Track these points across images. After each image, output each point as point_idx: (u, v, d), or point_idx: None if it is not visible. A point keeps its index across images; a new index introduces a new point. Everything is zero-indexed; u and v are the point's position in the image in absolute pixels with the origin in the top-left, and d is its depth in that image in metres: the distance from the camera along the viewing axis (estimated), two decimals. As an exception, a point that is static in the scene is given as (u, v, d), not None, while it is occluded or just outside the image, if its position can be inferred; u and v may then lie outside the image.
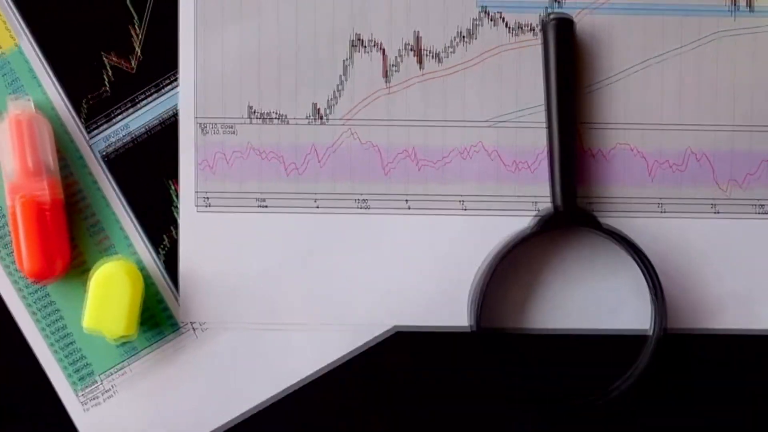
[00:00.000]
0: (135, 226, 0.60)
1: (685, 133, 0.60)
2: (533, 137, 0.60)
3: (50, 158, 0.58)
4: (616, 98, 0.60)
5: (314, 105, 0.60)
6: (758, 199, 0.60)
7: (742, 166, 0.60)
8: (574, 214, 0.59)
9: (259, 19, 0.59)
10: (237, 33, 0.59)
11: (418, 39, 0.60)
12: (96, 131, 0.60)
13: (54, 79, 0.60)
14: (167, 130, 0.60)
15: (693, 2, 0.60)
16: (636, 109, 0.60)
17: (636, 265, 0.59)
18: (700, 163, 0.60)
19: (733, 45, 0.60)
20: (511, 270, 0.60)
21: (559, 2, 0.60)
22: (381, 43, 0.60)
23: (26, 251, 0.57)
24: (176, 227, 0.60)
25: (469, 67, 0.60)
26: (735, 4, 0.60)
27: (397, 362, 0.61)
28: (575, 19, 0.59)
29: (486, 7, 0.60)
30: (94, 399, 0.61)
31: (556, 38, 0.58)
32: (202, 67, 0.59)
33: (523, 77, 0.60)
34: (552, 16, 0.59)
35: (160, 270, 0.60)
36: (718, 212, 0.61)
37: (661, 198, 0.60)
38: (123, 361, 0.60)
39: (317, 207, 0.60)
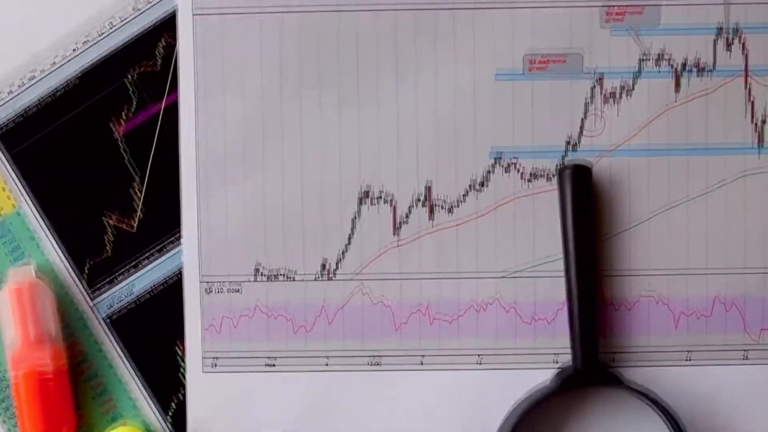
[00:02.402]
0: (141, 390, 0.58)
1: (712, 280, 0.57)
2: (552, 288, 0.57)
3: (52, 326, 0.57)
4: (639, 245, 0.57)
5: (323, 262, 0.58)
6: (792, 347, 0.58)
7: (774, 314, 0.57)
8: (595, 372, 0.56)
9: (263, 176, 0.57)
10: (240, 190, 0.57)
11: (428, 190, 0.57)
12: (99, 294, 0.58)
13: (55, 242, 0.58)
14: (171, 290, 0.58)
15: (716, 141, 0.57)
16: (660, 255, 0.57)
17: (663, 422, 0.56)
18: (729, 311, 0.57)
19: (760, 184, 0.57)
20: (531, 429, 0.58)
21: (574, 148, 0.57)
22: (391, 196, 0.57)
23: (29, 425, 0.55)
24: (184, 389, 0.58)
25: (483, 217, 0.57)
26: (761, 142, 0.57)
27: None
28: (593, 164, 0.57)
29: (500, 155, 0.57)
30: None
31: (573, 188, 0.56)
32: (206, 226, 0.58)
33: (539, 226, 0.57)
34: (568, 164, 0.56)
35: (168, 434, 0.59)
36: (749, 358, 0.58)
37: (688, 347, 0.58)
38: None
39: (327, 365, 0.58)
